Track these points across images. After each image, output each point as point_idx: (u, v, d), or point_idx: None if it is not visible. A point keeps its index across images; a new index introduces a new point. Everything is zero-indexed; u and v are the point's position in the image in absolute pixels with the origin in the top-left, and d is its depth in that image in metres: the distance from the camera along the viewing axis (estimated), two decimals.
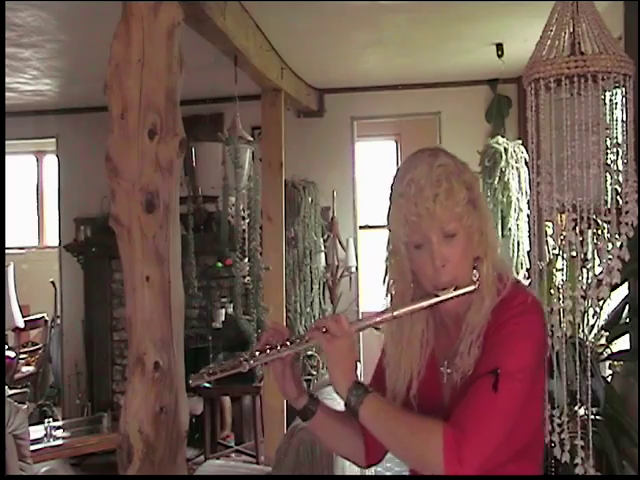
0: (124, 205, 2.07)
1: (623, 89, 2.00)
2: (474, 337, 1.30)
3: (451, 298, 1.30)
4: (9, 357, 5.49)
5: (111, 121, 2.08)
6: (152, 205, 2.05)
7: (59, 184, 6.30)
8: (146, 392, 2.02)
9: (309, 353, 5.27)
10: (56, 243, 6.44)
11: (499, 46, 4.47)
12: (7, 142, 5.16)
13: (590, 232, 2.06)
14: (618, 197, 2.03)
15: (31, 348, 6.45)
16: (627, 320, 2.55)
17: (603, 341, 2.59)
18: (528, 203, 4.63)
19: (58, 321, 6.21)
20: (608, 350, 2.60)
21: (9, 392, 4.69)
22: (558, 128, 1.98)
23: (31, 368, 6.15)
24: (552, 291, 2.14)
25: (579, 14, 2.00)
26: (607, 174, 2.02)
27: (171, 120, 2.09)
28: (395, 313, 1.33)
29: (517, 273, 4.55)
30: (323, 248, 5.76)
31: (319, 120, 5.87)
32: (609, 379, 2.64)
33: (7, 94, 5.27)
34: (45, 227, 7.89)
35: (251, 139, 4.11)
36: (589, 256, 2.09)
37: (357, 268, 5.94)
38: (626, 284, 2.47)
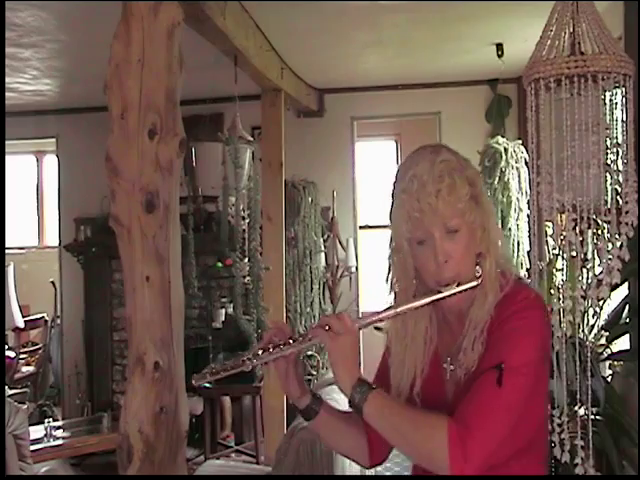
0: (124, 205, 2.07)
1: (623, 89, 2.00)
2: (477, 333, 1.30)
3: (454, 294, 1.30)
4: (9, 357, 5.49)
5: (111, 121, 2.08)
6: (152, 205, 2.05)
7: (59, 184, 6.30)
8: (146, 392, 2.02)
9: (309, 353, 5.26)
10: (56, 243, 6.44)
11: (499, 46, 4.47)
12: (7, 142, 5.16)
13: (590, 232, 2.06)
14: (618, 197, 2.03)
15: (31, 348, 6.45)
16: (627, 320, 2.55)
17: (603, 341, 2.59)
18: (528, 203, 4.63)
19: (58, 321, 6.21)
20: (608, 350, 2.60)
21: (9, 392, 4.69)
22: (558, 128, 1.98)
23: (31, 368, 6.15)
24: (552, 291, 2.14)
25: (579, 14, 2.00)
26: (607, 174, 2.02)
27: (171, 120, 2.09)
28: (398, 310, 1.33)
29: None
30: (323, 248, 5.76)
31: (319, 120, 5.87)
32: (609, 379, 2.64)
33: (7, 94, 5.27)
34: (45, 227, 7.89)
35: (251, 139, 4.11)
36: (589, 256, 2.09)
37: (357, 268, 5.94)
38: (626, 284, 2.47)
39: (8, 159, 6.45)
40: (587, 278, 2.07)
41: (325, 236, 5.81)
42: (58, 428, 4.45)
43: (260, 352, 1.34)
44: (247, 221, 4.01)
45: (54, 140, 6.30)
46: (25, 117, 5.98)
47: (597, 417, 2.37)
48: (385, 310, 1.34)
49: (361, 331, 1.33)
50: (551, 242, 2.15)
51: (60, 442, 4.26)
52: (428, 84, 5.61)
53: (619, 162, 2.04)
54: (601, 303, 2.18)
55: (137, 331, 2.05)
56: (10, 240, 6.59)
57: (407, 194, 1.28)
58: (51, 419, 4.49)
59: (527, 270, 4.55)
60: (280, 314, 4.68)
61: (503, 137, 5.04)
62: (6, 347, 5.50)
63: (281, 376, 1.40)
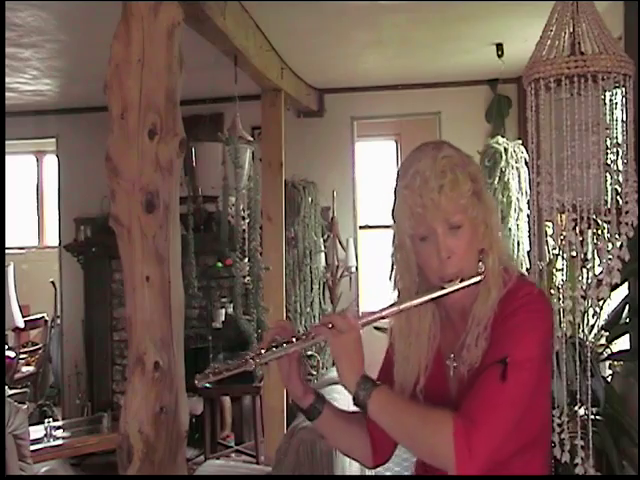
0: (124, 205, 2.07)
1: (623, 89, 2.00)
2: (481, 329, 1.30)
3: (457, 290, 1.30)
4: (9, 357, 5.49)
5: (111, 121, 2.08)
6: (152, 205, 2.05)
7: (59, 184, 6.30)
8: (146, 392, 2.02)
9: (309, 353, 5.26)
10: (56, 243, 6.44)
11: (499, 46, 4.47)
12: (7, 142, 5.16)
13: (590, 232, 2.06)
14: (618, 197, 2.03)
15: (31, 348, 6.45)
16: (627, 320, 2.55)
17: (603, 341, 2.59)
18: (528, 203, 4.63)
19: (58, 321, 6.21)
20: (608, 350, 2.60)
21: (9, 392, 4.69)
22: (558, 128, 1.98)
23: (31, 368, 6.15)
24: (552, 291, 2.14)
25: (579, 14, 2.00)
26: (607, 174, 2.02)
27: (171, 120, 2.09)
28: (401, 306, 1.33)
29: None
30: (323, 248, 5.76)
31: (319, 120, 5.87)
32: (609, 379, 2.64)
33: (7, 94, 5.27)
34: (45, 227, 7.89)
35: (251, 139, 4.11)
36: (589, 256, 2.09)
37: (357, 268, 5.94)
38: (626, 284, 2.47)
39: (8, 159, 6.45)
40: (587, 278, 2.07)
41: (325, 236, 5.81)
42: (58, 428, 4.45)
43: (263, 351, 1.33)
44: (247, 221, 4.01)
45: (54, 140, 6.30)
46: (25, 117, 5.99)
47: (597, 417, 2.37)
48: (388, 307, 1.34)
49: (360, 330, 1.33)
50: (551, 242, 2.15)
51: (60, 442, 4.26)
52: (428, 84, 5.62)
53: (619, 162, 2.04)
54: (601, 303, 2.17)
55: (137, 331, 2.05)
56: (10, 240, 6.59)
57: (410, 190, 1.28)
58: (51, 419, 4.49)
59: (527, 270, 4.54)
60: (280, 314, 4.68)
61: (503, 137, 5.04)
62: (6, 347, 5.50)
63: (284, 375, 1.40)
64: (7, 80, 4.93)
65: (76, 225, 6.09)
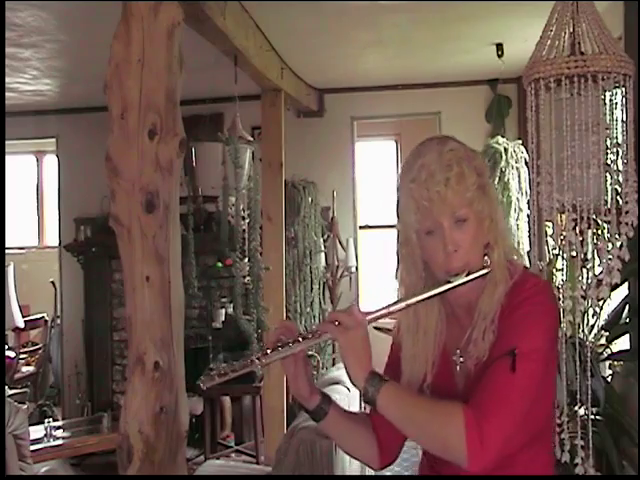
0: (124, 205, 2.07)
1: (623, 89, 2.00)
2: (488, 323, 1.31)
3: (464, 283, 1.30)
4: (9, 357, 5.49)
5: (111, 121, 2.08)
6: (152, 205, 2.05)
7: (59, 184, 6.30)
8: (146, 392, 2.02)
9: (309, 353, 5.26)
10: (56, 243, 6.44)
11: (499, 46, 4.48)
12: (7, 142, 5.16)
13: (590, 232, 2.06)
14: (618, 197, 2.03)
15: (31, 348, 6.45)
16: (627, 320, 2.55)
17: (603, 341, 2.59)
18: (528, 203, 4.63)
19: (58, 321, 6.21)
20: (608, 350, 2.59)
21: (9, 392, 4.69)
22: (558, 128, 1.98)
23: (31, 368, 6.15)
24: None
25: (579, 14, 2.00)
26: (607, 174, 2.02)
27: (171, 120, 2.09)
28: (409, 301, 1.33)
29: None
30: (323, 248, 5.76)
31: (319, 120, 5.87)
32: (609, 379, 2.64)
33: (7, 94, 5.27)
34: (45, 227, 7.89)
35: (251, 139, 4.11)
36: (589, 256, 2.09)
37: (357, 268, 5.94)
38: (626, 284, 2.47)
39: (8, 159, 6.45)
40: (587, 278, 2.07)
41: (325, 236, 5.81)
42: (58, 428, 4.45)
43: (269, 351, 1.32)
44: (247, 221, 4.01)
45: (54, 140, 6.30)
46: (25, 117, 5.99)
47: (597, 417, 2.37)
48: (395, 303, 1.34)
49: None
50: (551, 242, 2.15)
51: (60, 442, 4.26)
52: (428, 84, 5.62)
53: (619, 162, 2.04)
54: (601, 303, 2.17)
55: (137, 331, 2.05)
56: (10, 240, 6.59)
57: (416, 184, 1.28)
58: (51, 419, 4.49)
59: None
60: (280, 314, 4.68)
61: (503, 137, 5.04)
62: (6, 347, 5.50)
63: (290, 376, 1.38)
64: (7, 80, 4.93)
65: (76, 225, 6.09)
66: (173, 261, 2.11)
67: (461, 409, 1.21)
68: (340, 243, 5.85)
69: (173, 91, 2.12)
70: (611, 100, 2.00)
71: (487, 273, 1.31)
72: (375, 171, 7.39)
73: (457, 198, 1.27)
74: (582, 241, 2.03)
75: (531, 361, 1.24)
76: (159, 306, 2.06)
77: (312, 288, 5.66)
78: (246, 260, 4.06)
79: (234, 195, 3.89)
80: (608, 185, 2.01)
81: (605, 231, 2.03)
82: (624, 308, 2.55)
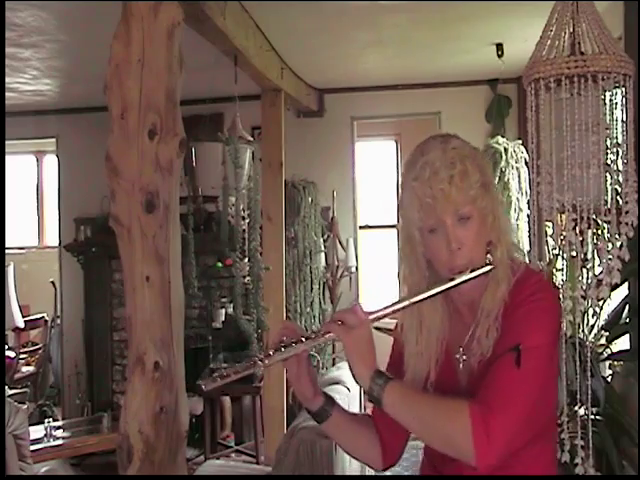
0: (124, 205, 2.07)
1: (623, 89, 2.00)
2: (491, 320, 1.31)
3: (467, 280, 1.30)
4: (9, 357, 5.49)
5: (111, 121, 2.08)
6: (152, 205, 2.05)
7: (59, 184, 6.30)
8: (146, 392, 2.03)
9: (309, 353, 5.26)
10: (56, 243, 6.44)
11: (499, 46, 4.48)
12: (7, 142, 5.16)
13: (590, 232, 2.06)
14: (618, 197, 2.03)
15: (31, 348, 6.45)
16: (627, 320, 2.55)
17: (603, 341, 2.59)
18: (528, 203, 4.64)
19: (58, 321, 6.21)
20: (608, 350, 2.60)
21: (9, 392, 4.69)
22: (558, 128, 1.98)
23: (31, 368, 6.16)
24: None
25: (579, 14, 2.00)
26: (607, 174, 2.02)
27: (171, 120, 2.09)
28: (412, 300, 1.32)
29: None
30: (323, 248, 5.76)
31: (319, 120, 5.87)
32: (609, 379, 2.64)
33: (7, 94, 5.27)
34: (45, 227, 7.89)
35: (251, 139, 4.11)
36: (589, 256, 2.09)
37: (357, 268, 5.94)
38: (626, 284, 2.47)
39: (8, 159, 6.45)
40: (587, 278, 2.07)
41: (325, 236, 5.81)
42: (58, 428, 4.45)
43: (271, 352, 1.31)
44: (247, 221, 4.00)
45: (54, 140, 6.30)
46: (25, 117, 5.99)
47: (597, 417, 2.37)
48: (399, 301, 1.33)
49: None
50: (551, 242, 2.14)
51: (60, 442, 4.27)
52: (428, 84, 5.62)
53: (619, 162, 2.04)
54: (601, 303, 2.17)
55: (137, 331, 2.05)
56: (10, 240, 6.59)
57: (419, 182, 1.28)
58: (51, 419, 4.49)
59: None
60: (280, 314, 4.68)
61: (503, 137, 5.04)
62: (6, 347, 5.50)
63: (293, 378, 1.38)
64: (7, 80, 4.93)
65: (76, 225, 6.09)
66: (173, 261, 2.11)
67: (467, 406, 1.21)
68: (340, 243, 5.85)
69: (173, 91, 2.12)
70: (611, 100, 2.00)
71: (490, 270, 1.31)
72: (375, 171, 7.39)
73: (461, 196, 1.27)
74: (582, 241, 2.03)
75: (535, 357, 1.25)
76: (159, 306, 2.06)
77: (312, 288, 5.66)
78: (246, 260, 4.06)
79: (234, 195, 3.88)
80: (608, 185, 2.01)
81: (605, 231, 2.03)
82: (624, 308, 2.55)
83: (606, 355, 2.60)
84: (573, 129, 1.95)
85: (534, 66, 2.01)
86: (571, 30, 2.01)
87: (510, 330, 1.28)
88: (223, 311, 5.47)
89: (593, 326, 2.44)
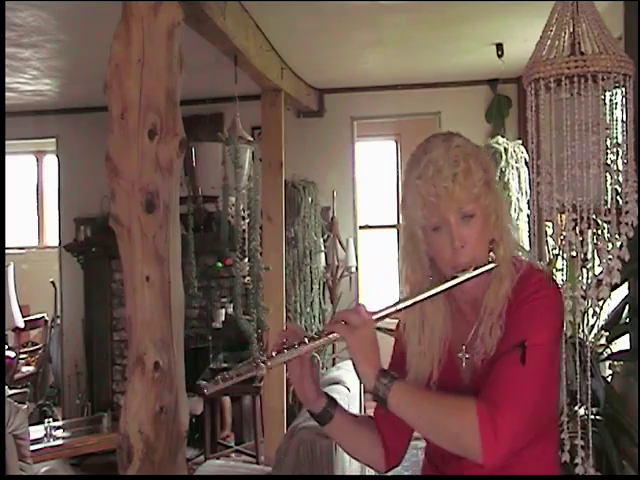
0: (124, 205, 2.07)
1: (623, 89, 2.00)
2: (494, 318, 1.31)
3: (471, 278, 1.30)
4: (9, 357, 5.49)
5: (111, 121, 2.08)
6: (152, 205, 2.05)
7: (59, 184, 6.30)
8: (146, 392, 2.02)
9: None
10: (56, 243, 6.44)
11: (499, 46, 4.48)
12: (7, 142, 5.16)
13: (590, 232, 2.06)
14: (618, 197, 2.03)
15: (31, 348, 6.45)
16: (627, 320, 2.55)
17: (603, 341, 2.59)
18: (528, 203, 4.64)
19: (58, 321, 6.21)
20: (608, 350, 2.60)
21: (9, 392, 4.69)
22: (558, 128, 1.98)
23: (31, 368, 6.15)
24: None
25: (579, 14, 2.00)
26: (607, 174, 2.02)
27: (171, 120, 2.09)
28: (416, 299, 1.32)
29: None
30: (323, 248, 5.76)
31: (319, 120, 5.87)
32: (609, 379, 2.64)
33: (7, 94, 5.27)
34: (45, 227, 7.89)
35: (251, 139, 4.11)
36: (589, 256, 2.09)
37: (357, 268, 5.94)
38: (626, 284, 2.47)
39: (8, 159, 6.45)
40: (587, 278, 2.07)
41: (325, 236, 5.81)
42: (58, 428, 4.45)
43: (274, 354, 1.30)
44: (247, 221, 4.00)
45: (54, 140, 6.30)
46: (25, 117, 5.99)
47: (597, 417, 2.37)
48: (402, 300, 1.33)
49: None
50: (551, 242, 2.15)
51: (60, 442, 4.26)
52: (428, 84, 5.62)
53: (619, 162, 2.04)
54: (601, 303, 2.18)
55: (137, 331, 2.05)
56: (10, 240, 6.59)
57: (423, 180, 1.28)
58: (51, 419, 4.49)
59: None
60: (280, 314, 4.68)
61: (503, 137, 5.04)
62: (6, 347, 5.50)
63: (296, 379, 1.37)
64: (7, 80, 4.93)
65: (76, 225, 6.09)
66: (173, 261, 2.11)
67: (474, 403, 1.21)
68: (340, 243, 5.85)
69: (173, 91, 2.12)
70: (611, 100, 2.00)
71: (494, 267, 1.31)
72: (375, 171, 7.39)
73: (464, 194, 1.27)
74: (582, 241, 2.03)
75: (540, 353, 1.25)
76: (159, 306, 2.06)
77: (312, 288, 5.65)
78: (246, 260, 4.06)
79: (234, 195, 3.88)
80: (608, 185, 2.01)
81: (605, 231, 2.03)
82: (624, 308, 2.55)
83: (606, 355, 2.60)
84: (573, 129, 1.95)
85: (534, 66, 2.01)
86: (571, 30, 2.01)
87: (514, 328, 1.28)
88: (223, 311, 5.47)
89: (593, 326, 2.44)
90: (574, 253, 2.03)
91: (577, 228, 1.99)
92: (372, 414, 1.50)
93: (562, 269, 2.08)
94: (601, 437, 2.35)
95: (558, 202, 1.99)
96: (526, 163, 4.63)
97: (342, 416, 1.42)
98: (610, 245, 2.02)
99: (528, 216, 4.46)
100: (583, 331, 2.18)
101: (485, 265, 1.31)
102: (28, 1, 3.36)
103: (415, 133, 6.44)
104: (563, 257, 2.07)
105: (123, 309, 2.32)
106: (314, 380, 1.38)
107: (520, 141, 4.94)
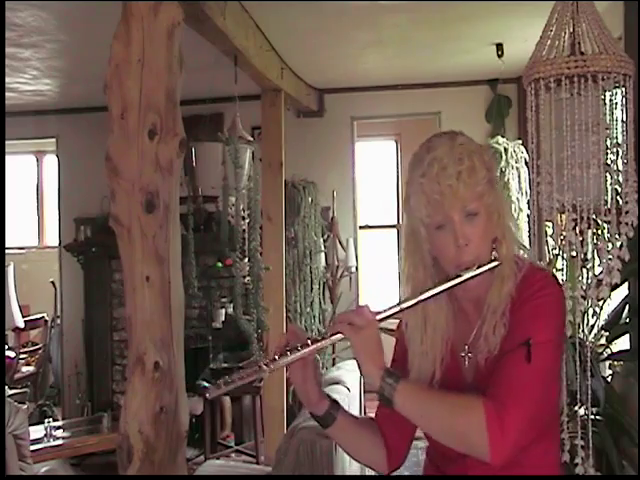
0: (124, 205, 2.07)
1: (623, 89, 2.00)
2: (498, 317, 1.31)
3: (475, 276, 1.30)
4: (9, 357, 5.49)
5: (111, 121, 2.08)
6: (152, 205, 2.05)
7: (59, 184, 6.30)
8: (146, 392, 2.03)
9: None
10: (56, 243, 6.44)
11: (499, 46, 4.48)
12: (7, 142, 5.16)
13: (590, 232, 2.06)
14: (618, 197, 2.03)
15: (31, 348, 6.45)
16: (627, 320, 2.55)
17: (603, 341, 2.59)
18: (528, 203, 4.63)
19: (58, 321, 6.21)
20: (608, 350, 2.60)
21: (9, 392, 4.69)
22: (558, 128, 1.98)
23: (31, 368, 6.15)
24: None
25: (579, 14, 2.00)
26: (607, 174, 2.02)
27: (171, 120, 2.09)
28: (420, 298, 1.31)
29: None
30: (323, 248, 5.76)
31: (319, 120, 5.87)
32: (609, 379, 2.64)
33: (7, 94, 5.27)
34: (45, 227, 7.89)
35: (251, 139, 4.11)
36: (589, 256, 2.09)
37: (357, 268, 5.94)
38: (626, 284, 2.47)
39: (8, 159, 6.45)
40: (587, 278, 2.07)
41: (325, 236, 5.81)
42: (58, 428, 4.45)
43: (277, 357, 1.29)
44: (247, 221, 4.00)
45: (54, 140, 6.30)
46: (25, 117, 5.98)
47: (597, 417, 2.37)
48: (406, 300, 1.32)
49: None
50: (551, 242, 2.15)
51: (60, 442, 4.26)
52: (428, 84, 5.62)
53: (619, 162, 2.04)
54: (601, 303, 2.18)
55: (137, 331, 2.05)
56: (10, 240, 6.59)
57: (427, 178, 1.28)
58: (51, 419, 4.48)
59: None
60: (280, 314, 4.68)
61: (503, 137, 5.04)
62: (6, 347, 5.49)
63: (298, 382, 1.36)
64: (7, 80, 4.93)
65: (76, 225, 6.09)
66: (173, 261, 2.11)
67: (481, 402, 1.21)
68: (340, 243, 5.85)
69: (173, 91, 2.12)
70: (611, 100, 2.01)
71: (497, 266, 1.31)
72: (375, 171, 7.39)
73: (468, 192, 1.27)
74: (582, 241, 2.03)
75: (545, 351, 1.25)
76: (159, 306, 2.06)
77: (312, 288, 5.65)
78: (246, 260, 4.06)
79: (234, 195, 3.88)
80: (608, 185, 2.02)
81: (605, 231, 2.03)
82: (624, 308, 2.56)
83: (606, 355, 2.60)
84: (573, 129, 1.95)
85: (534, 66, 2.01)
86: (571, 30, 2.01)
87: (518, 326, 1.28)
88: (223, 311, 5.46)
89: (593, 326, 2.44)
90: (574, 253, 2.03)
91: (577, 228, 1.99)
92: (373, 415, 1.50)
93: (562, 269, 2.08)
94: (601, 437, 2.35)
95: (558, 202, 1.99)
96: (526, 163, 4.63)
97: (345, 418, 1.42)
98: (610, 245, 2.02)
99: (528, 216, 4.46)
100: (583, 331, 2.18)
101: (489, 263, 1.31)
102: (28, 1, 3.36)
103: (415, 133, 6.45)
104: (563, 257, 2.08)
105: (123, 309, 2.32)
106: (317, 382, 1.37)
107: (520, 141, 4.94)
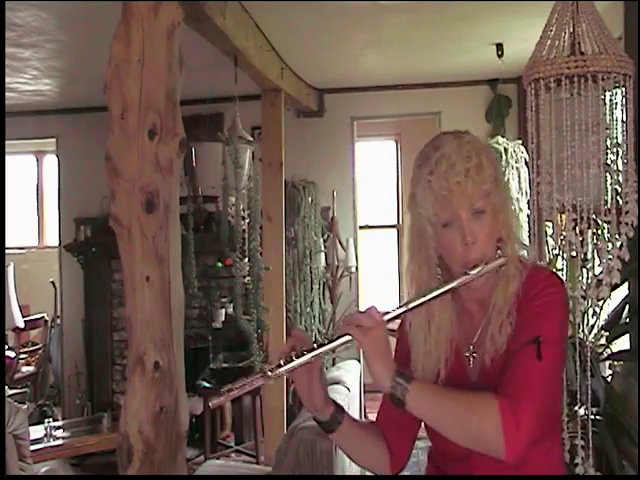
0: (124, 205, 2.07)
1: (623, 89, 2.00)
2: (503, 316, 1.31)
3: (482, 274, 1.29)
4: (9, 357, 5.49)
5: (111, 121, 2.08)
6: (152, 205, 2.05)
7: (59, 184, 6.30)
8: (146, 392, 2.03)
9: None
10: (56, 243, 6.44)
11: (499, 46, 4.48)
12: (7, 142, 5.16)
13: (590, 232, 2.06)
14: (618, 197, 2.03)
15: (31, 348, 6.45)
16: (627, 320, 2.55)
17: (603, 341, 2.59)
18: (528, 203, 4.63)
19: (58, 321, 6.21)
20: (608, 350, 2.60)
21: (9, 392, 4.69)
22: (558, 128, 1.98)
23: (31, 368, 6.15)
24: None
25: (579, 14, 2.00)
26: (607, 174, 2.02)
27: (171, 120, 2.09)
28: (427, 297, 1.30)
29: None
30: (323, 248, 5.76)
31: (319, 120, 5.87)
32: (609, 379, 2.64)
33: (7, 94, 5.27)
34: (45, 227, 7.89)
35: (251, 139, 4.11)
36: (589, 256, 2.09)
37: (357, 268, 5.94)
38: (626, 284, 2.47)
39: (8, 159, 6.45)
40: (587, 278, 2.07)
41: (325, 236, 5.81)
42: (58, 428, 4.45)
43: (282, 362, 1.27)
44: (247, 221, 4.00)
45: (54, 140, 6.30)
46: (25, 117, 5.98)
47: (597, 417, 2.37)
48: (412, 300, 1.31)
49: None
50: (551, 242, 2.15)
51: (60, 442, 4.26)
52: (428, 84, 5.62)
53: (619, 162, 2.04)
54: (601, 303, 2.18)
55: (137, 331, 2.05)
56: (10, 240, 6.60)
57: (435, 175, 1.27)
58: (51, 419, 4.48)
59: None
60: (280, 314, 4.68)
61: (503, 137, 5.04)
62: (6, 347, 5.49)
63: (303, 388, 1.33)
64: (7, 80, 4.93)
65: (76, 225, 6.09)
66: (173, 261, 2.11)
67: (496, 400, 1.21)
68: (340, 243, 5.85)
69: (173, 91, 2.12)
70: (611, 100, 2.01)
71: (504, 263, 1.31)
72: (375, 171, 7.39)
73: (476, 189, 1.27)
74: (582, 241, 2.03)
75: (554, 348, 1.26)
76: (159, 306, 2.06)
77: (312, 288, 5.65)
78: (246, 260, 4.05)
79: (234, 195, 3.88)
80: (608, 185, 2.02)
81: (605, 231, 2.03)
82: (624, 308, 2.56)
83: (606, 355, 2.60)
84: (573, 129, 1.96)
85: (534, 66, 2.01)
86: (571, 30, 2.01)
87: (526, 324, 1.29)
88: (223, 311, 5.46)
89: (593, 326, 2.44)
90: (574, 253, 2.03)
91: (577, 228, 1.99)
92: (374, 418, 1.49)
93: (562, 269, 2.08)
94: (601, 437, 2.35)
95: (558, 202, 1.99)
96: (526, 163, 4.63)
97: (349, 422, 1.40)
98: (610, 245, 2.02)
99: (528, 216, 4.45)
100: (583, 331, 2.18)
101: (496, 260, 1.31)
102: (28, 1, 3.36)
103: (415, 133, 6.48)
104: (563, 257, 2.08)
105: (123, 309, 2.32)
106: (323, 387, 1.36)
107: (520, 141, 4.94)
